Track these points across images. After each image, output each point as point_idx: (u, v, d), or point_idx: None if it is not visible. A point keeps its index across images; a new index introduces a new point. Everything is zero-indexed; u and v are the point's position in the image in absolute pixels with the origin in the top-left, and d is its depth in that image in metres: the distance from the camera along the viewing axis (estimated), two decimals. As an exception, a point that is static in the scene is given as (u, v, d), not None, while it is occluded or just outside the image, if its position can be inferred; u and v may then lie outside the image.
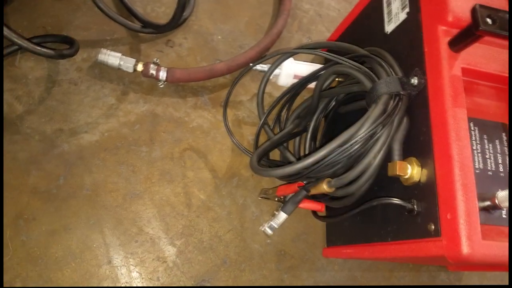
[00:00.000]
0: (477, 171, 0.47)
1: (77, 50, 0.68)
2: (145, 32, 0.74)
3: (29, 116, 0.66)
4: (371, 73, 0.51)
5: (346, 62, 0.54)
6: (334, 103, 0.65)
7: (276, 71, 0.70)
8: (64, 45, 0.69)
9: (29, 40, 0.60)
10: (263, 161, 0.68)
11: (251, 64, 0.69)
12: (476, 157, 0.48)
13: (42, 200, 0.62)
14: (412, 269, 0.74)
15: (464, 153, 0.44)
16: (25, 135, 0.65)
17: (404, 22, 0.56)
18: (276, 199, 0.66)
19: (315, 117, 0.64)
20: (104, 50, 0.67)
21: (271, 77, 0.71)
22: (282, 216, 0.60)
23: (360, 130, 0.48)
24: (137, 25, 0.73)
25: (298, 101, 0.73)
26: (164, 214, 0.67)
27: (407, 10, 0.55)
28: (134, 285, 0.62)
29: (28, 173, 0.63)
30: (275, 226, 0.60)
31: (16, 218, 0.61)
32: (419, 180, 0.48)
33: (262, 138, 0.72)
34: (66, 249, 0.61)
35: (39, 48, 0.61)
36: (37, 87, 0.68)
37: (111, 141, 0.68)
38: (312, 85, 0.70)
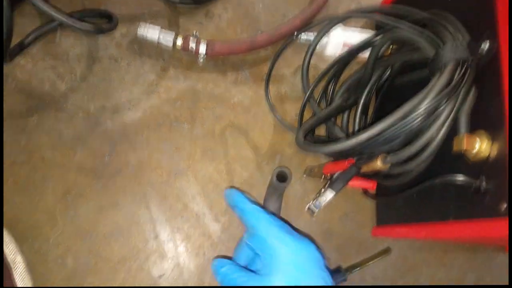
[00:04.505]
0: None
1: (116, 24, 0.66)
2: (184, 2, 0.71)
3: (72, 94, 0.65)
4: (435, 37, 0.47)
5: (406, 26, 0.49)
6: (388, 73, 0.60)
7: (323, 40, 0.66)
8: (102, 20, 0.68)
9: (68, 15, 0.59)
10: (308, 137, 0.65)
11: (295, 33, 0.65)
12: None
13: (89, 177, 0.62)
14: (468, 250, 0.70)
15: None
16: (70, 113, 0.64)
17: (470, -21, 0.50)
18: (322, 178, 0.63)
19: (367, 90, 0.60)
20: (143, 24, 0.65)
21: (317, 47, 0.66)
22: (329, 194, 0.56)
23: (423, 102, 0.44)
24: (175, -4, 0.70)
25: (346, 73, 0.69)
26: (208, 191, 0.65)
27: (474, -34, 0.50)
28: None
29: (74, 151, 0.63)
30: (322, 204, 0.56)
31: (64, 194, 0.61)
32: (489, 156, 0.44)
33: (306, 114, 0.69)
34: (113, 224, 0.62)
35: (78, 22, 0.59)
36: (78, 64, 0.67)
37: (153, 118, 0.66)
38: (362, 54, 0.66)
